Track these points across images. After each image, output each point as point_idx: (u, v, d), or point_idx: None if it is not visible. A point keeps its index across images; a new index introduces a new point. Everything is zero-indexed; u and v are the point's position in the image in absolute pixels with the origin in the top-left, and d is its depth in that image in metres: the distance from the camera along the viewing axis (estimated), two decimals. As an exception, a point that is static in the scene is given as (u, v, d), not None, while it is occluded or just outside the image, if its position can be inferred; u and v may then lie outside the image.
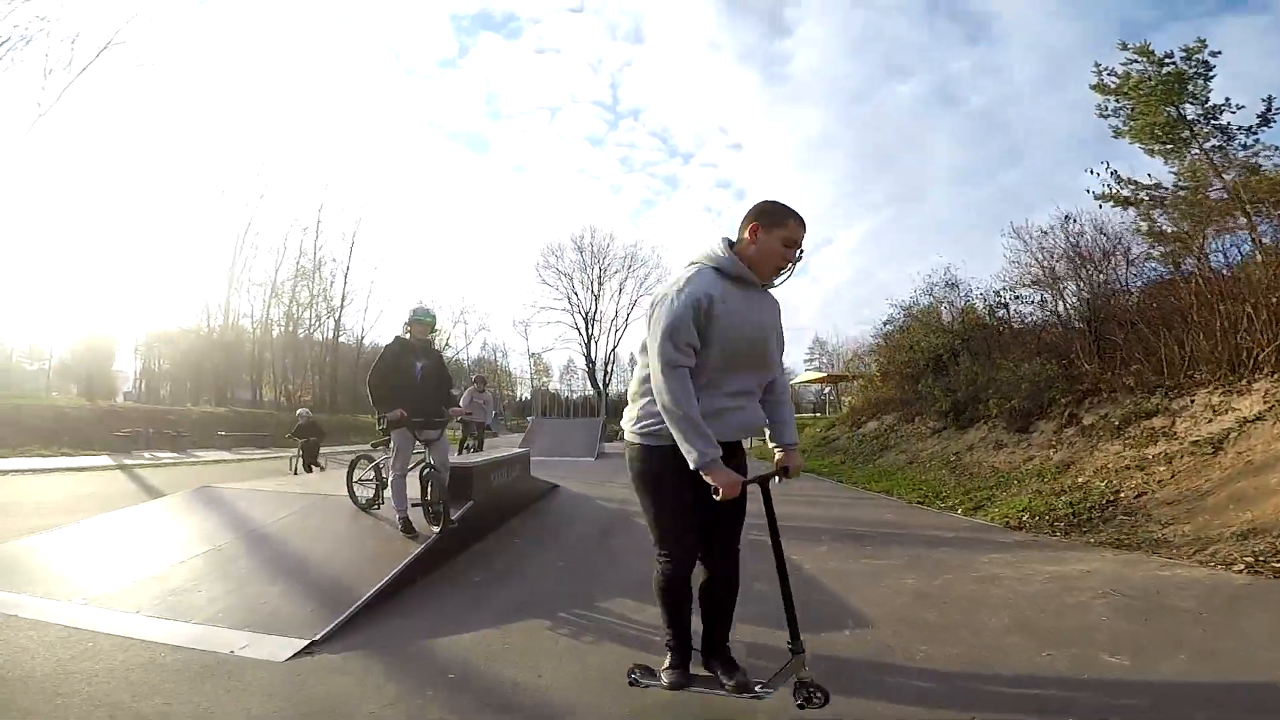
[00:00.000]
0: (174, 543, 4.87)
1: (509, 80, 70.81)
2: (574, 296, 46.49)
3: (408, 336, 5.38)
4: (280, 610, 3.77)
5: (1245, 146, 13.80)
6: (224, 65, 58.09)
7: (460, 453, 10.52)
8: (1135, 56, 14.99)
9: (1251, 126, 13.82)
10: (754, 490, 2.53)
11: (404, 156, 69.38)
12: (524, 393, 51.53)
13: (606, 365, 47.43)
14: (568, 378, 60.96)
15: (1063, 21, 58.23)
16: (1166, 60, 14.63)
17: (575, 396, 43.96)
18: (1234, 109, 13.95)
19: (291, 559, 4.56)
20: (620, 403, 58.93)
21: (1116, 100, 15.52)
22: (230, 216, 35.37)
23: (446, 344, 50.15)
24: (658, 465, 2.35)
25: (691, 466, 2.19)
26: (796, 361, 56.99)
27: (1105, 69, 15.59)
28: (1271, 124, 13.42)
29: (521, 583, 4.81)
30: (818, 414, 48.17)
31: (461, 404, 10.23)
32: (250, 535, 5.08)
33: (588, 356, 46.36)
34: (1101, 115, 15.91)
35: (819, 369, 55.50)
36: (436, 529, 5.05)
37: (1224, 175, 14.21)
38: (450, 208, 75.43)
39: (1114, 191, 14.84)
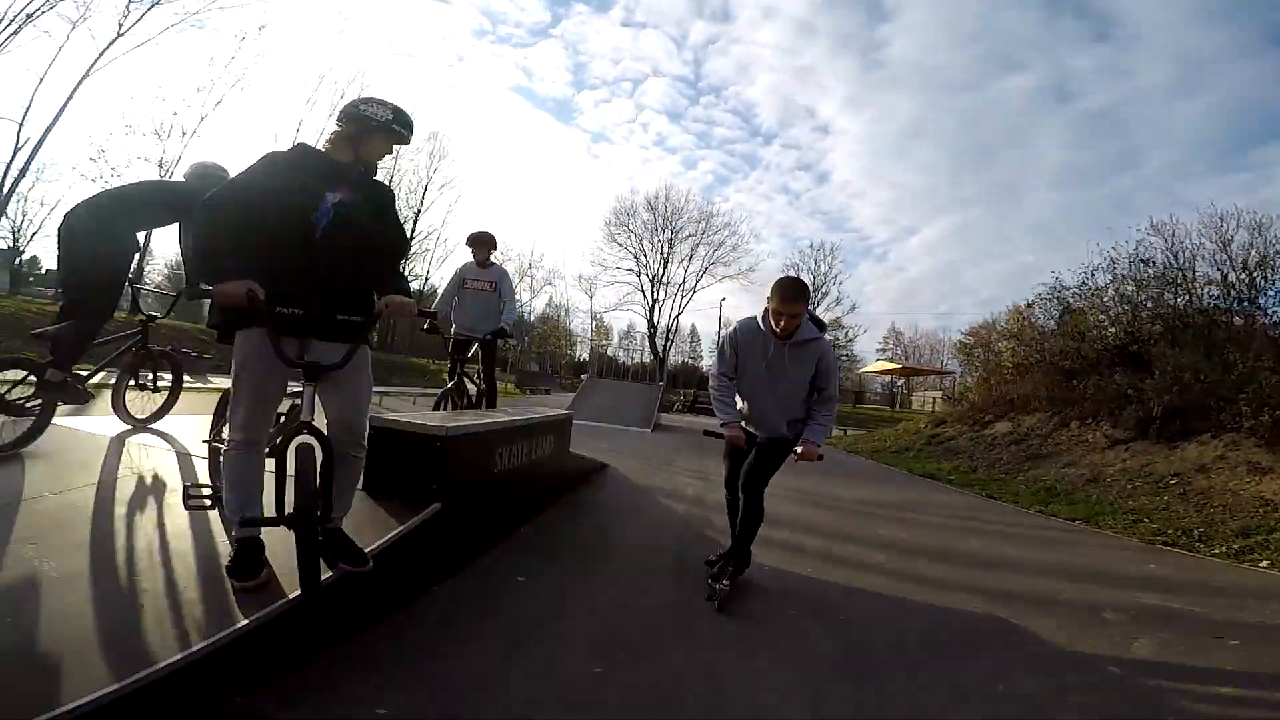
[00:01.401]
0: None
1: (596, 51, 69.22)
2: (642, 258, 43.26)
3: (324, 150, 2.39)
4: None
5: None
6: (308, 12, 55.67)
7: (441, 405, 5.28)
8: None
9: None
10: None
11: (491, 121, 69.37)
12: (582, 353, 49.16)
13: (668, 332, 44.26)
14: (626, 343, 58.38)
15: (1202, 25, 52.56)
16: None
17: (632, 362, 41.34)
18: None
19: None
20: (679, 372, 55.90)
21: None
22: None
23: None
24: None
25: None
26: (869, 350, 52.45)
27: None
28: None
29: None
30: (889, 407, 44.07)
31: (441, 303, 5.70)
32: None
33: (650, 320, 43.24)
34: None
35: (891, 359, 51.33)
36: (324, 573, 2.09)
37: None
38: (531, 170, 74.49)
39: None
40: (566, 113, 73.10)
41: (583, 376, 19.54)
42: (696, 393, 33.96)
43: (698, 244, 42.63)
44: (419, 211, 37.11)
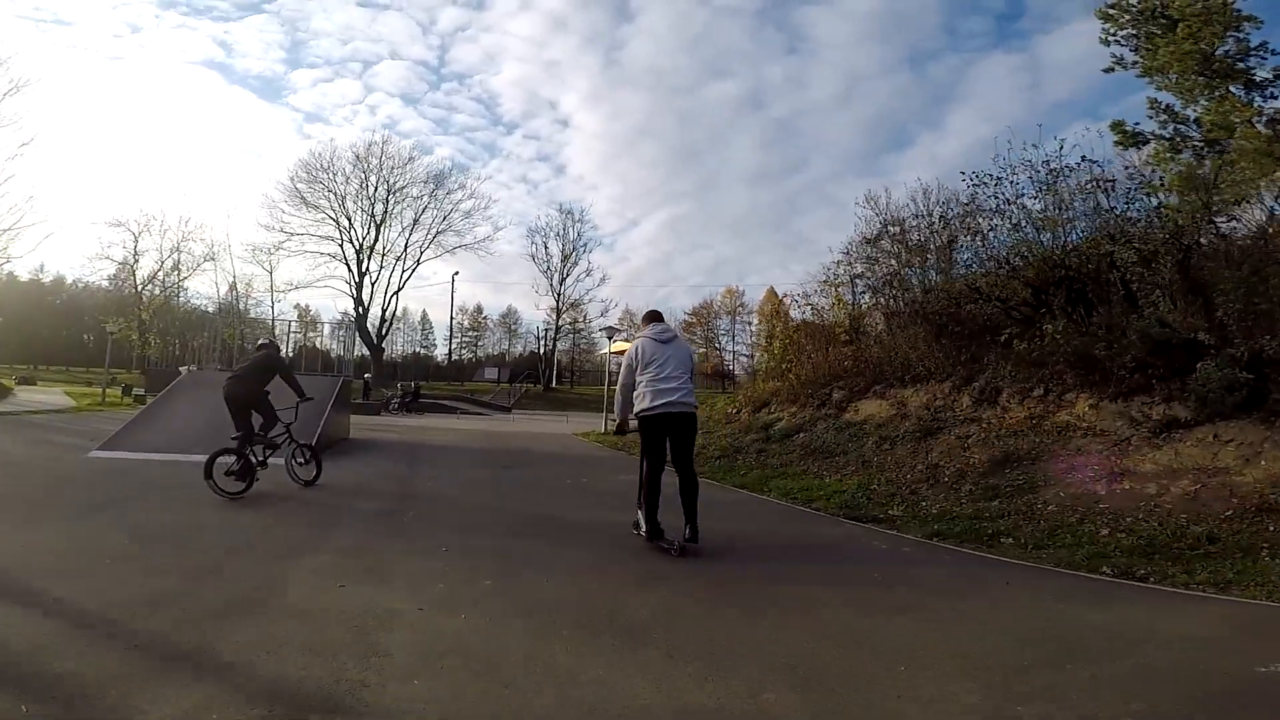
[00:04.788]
0: None
1: (321, 29, 62.63)
2: (344, 220, 32.88)
3: None
4: None
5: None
6: None
7: None
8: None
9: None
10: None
11: (164, 95, 62.07)
12: (285, 350, 36.75)
13: (386, 314, 34.66)
14: (343, 333, 46.76)
15: (864, 43, 61.59)
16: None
17: (352, 356, 31.36)
18: (1266, 54, 12.14)
19: None
20: (410, 362, 46.31)
21: (1133, 30, 13.34)
22: None
23: (161, 280, 33.51)
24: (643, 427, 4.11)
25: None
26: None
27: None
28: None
29: None
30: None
31: None
32: None
33: (358, 300, 33.12)
34: (1105, 42, 13.78)
35: (628, 339, 48.84)
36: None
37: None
38: (214, 147, 65.73)
39: (1132, 130, 13.25)
40: (274, 91, 64.10)
41: (183, 368, 10.66)
42: (418, 384, 25.75)
43: (424, 208, 33.86)
44: None
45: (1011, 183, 8.12)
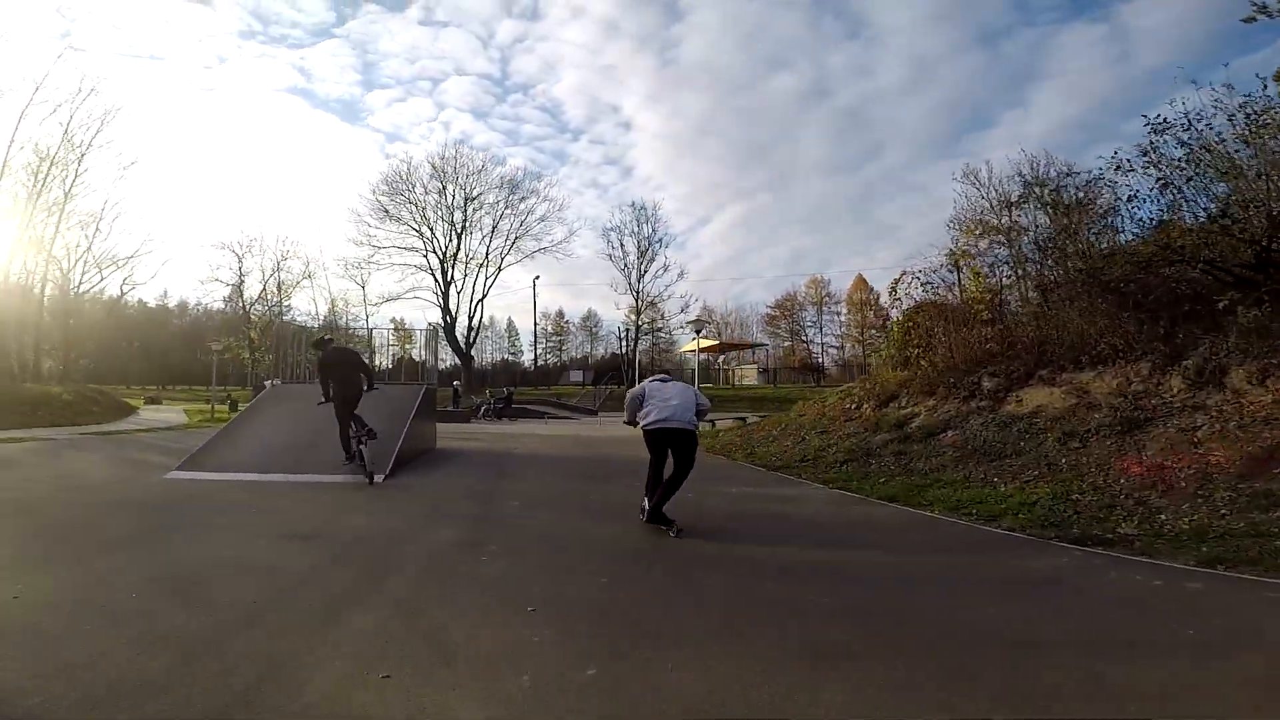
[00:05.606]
0: None
1: (389, 50, 64.16)
2: (426, 230, 33.47)
3: None
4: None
5: None
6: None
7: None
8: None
9: None
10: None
11: (261, 122, 66.38)
12: (383, 362, 38.11)
13: (473, 323, 35.01)
14: (430, 342, 48.05)
15: (929, 27, 57.81)
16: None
17: (444, 366, 32.05)
18: None
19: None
20: (499, 370, 47.17)
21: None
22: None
23: (266, 299, 35.80)
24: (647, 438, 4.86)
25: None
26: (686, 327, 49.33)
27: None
28: None
29: None
30: (710, 384, 38.97)
31: None
32: None
33: (445, 309, 33.60)
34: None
35: (707, 335, 47.56)
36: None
37: None
38: (310, 170, 69.58)
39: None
40: (354, 113, 66.98)
41: (267, 382, 10.51)
42: (510, 390, 25.67)
43: (501, 215, 33.98)
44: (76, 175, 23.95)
45: (1208, 125, 6.49)
